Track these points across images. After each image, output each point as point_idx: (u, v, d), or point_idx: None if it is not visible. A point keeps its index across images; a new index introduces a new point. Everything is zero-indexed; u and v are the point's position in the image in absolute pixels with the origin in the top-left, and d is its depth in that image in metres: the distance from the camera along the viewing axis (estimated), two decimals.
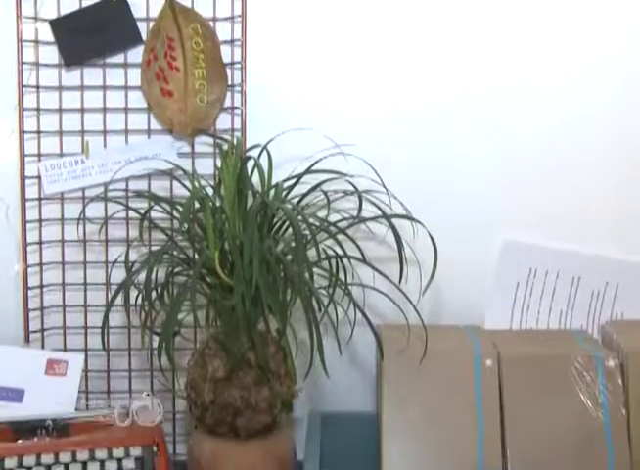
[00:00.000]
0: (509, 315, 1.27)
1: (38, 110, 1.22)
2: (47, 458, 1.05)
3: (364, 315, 1.07)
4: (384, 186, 1.13)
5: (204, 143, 1.23)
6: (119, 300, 1.11)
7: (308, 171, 1.13)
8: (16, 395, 1.15)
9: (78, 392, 1.17)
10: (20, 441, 1.08)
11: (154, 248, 1.20)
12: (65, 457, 1.05)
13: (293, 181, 1.13)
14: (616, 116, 1.25)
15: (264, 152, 1.11)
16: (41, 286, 1.25)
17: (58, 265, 1.25)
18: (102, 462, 1.05)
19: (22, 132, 1.21)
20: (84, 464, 1.05)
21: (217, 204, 1.10)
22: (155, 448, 1.07)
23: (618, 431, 1.11)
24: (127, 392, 1.27)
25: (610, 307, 1.27)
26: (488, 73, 1.23)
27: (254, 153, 1.11)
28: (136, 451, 1.07)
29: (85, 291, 1.25)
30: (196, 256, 1.10)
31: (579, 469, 1.09)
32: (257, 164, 1.09)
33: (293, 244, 1.04)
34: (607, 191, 1.27)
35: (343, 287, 1.08)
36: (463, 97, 1.24)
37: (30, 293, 1.24)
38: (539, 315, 1.27)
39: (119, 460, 1.06)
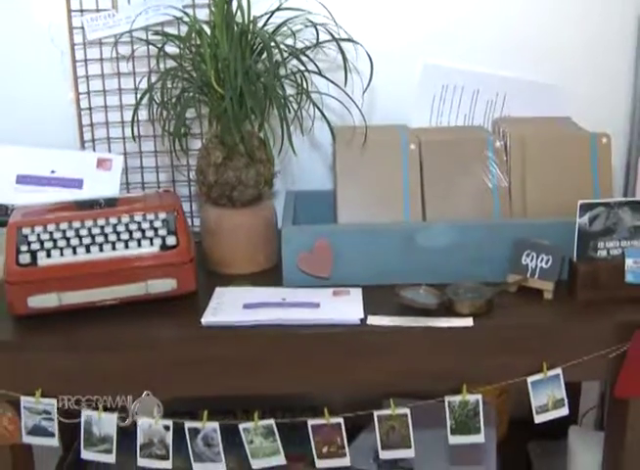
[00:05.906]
0: (428, 118, 1.37)
1: None
2: (101, 221, 1.15)
3: (320, 111, 1.17)
4: (334, 20, 1.21)
5: None
6: (146, 116, 1.24)
7: (279, 9, 1.22)
8: (77, 183, 1.25)
9: (121, 184, 1.27)
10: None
11: None
12: (113, 220, 1.15)
13: (267, 16, 1.21)
14: None
15: None
16: (90, 108, 1.35)
17: (100, 93, 1.35)
18: (139, 223, 1.15)
19: None
20: (127, 225, 1.15)
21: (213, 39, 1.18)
22: (175, 213, 1.17)
23: (502, 191, 1.23)
24: (156, 183, 1.39)
25: (500, 111, 1.37)
26: None
27: None
28: (162, 215, 1.16)
29: (122, 110, 1.35)
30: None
31: (472, 216, 1.20)
32: (240, 5, 1.20)
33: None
34: (500, 21, 1.35)
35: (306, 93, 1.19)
36: None
37: (82, 113, 1.35)
38: (450, 118, 1.37)
39: (151, 221, 1.16)
